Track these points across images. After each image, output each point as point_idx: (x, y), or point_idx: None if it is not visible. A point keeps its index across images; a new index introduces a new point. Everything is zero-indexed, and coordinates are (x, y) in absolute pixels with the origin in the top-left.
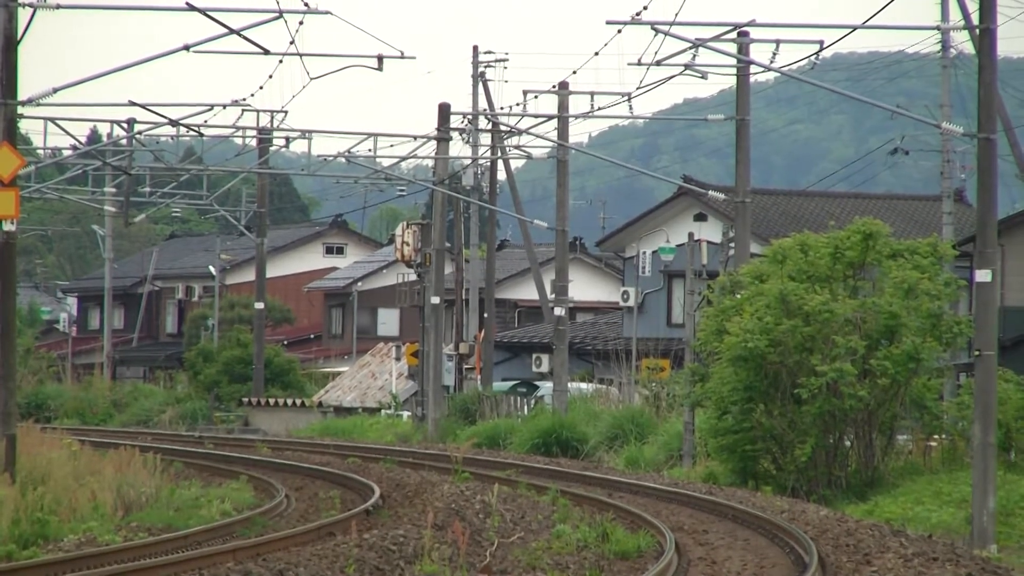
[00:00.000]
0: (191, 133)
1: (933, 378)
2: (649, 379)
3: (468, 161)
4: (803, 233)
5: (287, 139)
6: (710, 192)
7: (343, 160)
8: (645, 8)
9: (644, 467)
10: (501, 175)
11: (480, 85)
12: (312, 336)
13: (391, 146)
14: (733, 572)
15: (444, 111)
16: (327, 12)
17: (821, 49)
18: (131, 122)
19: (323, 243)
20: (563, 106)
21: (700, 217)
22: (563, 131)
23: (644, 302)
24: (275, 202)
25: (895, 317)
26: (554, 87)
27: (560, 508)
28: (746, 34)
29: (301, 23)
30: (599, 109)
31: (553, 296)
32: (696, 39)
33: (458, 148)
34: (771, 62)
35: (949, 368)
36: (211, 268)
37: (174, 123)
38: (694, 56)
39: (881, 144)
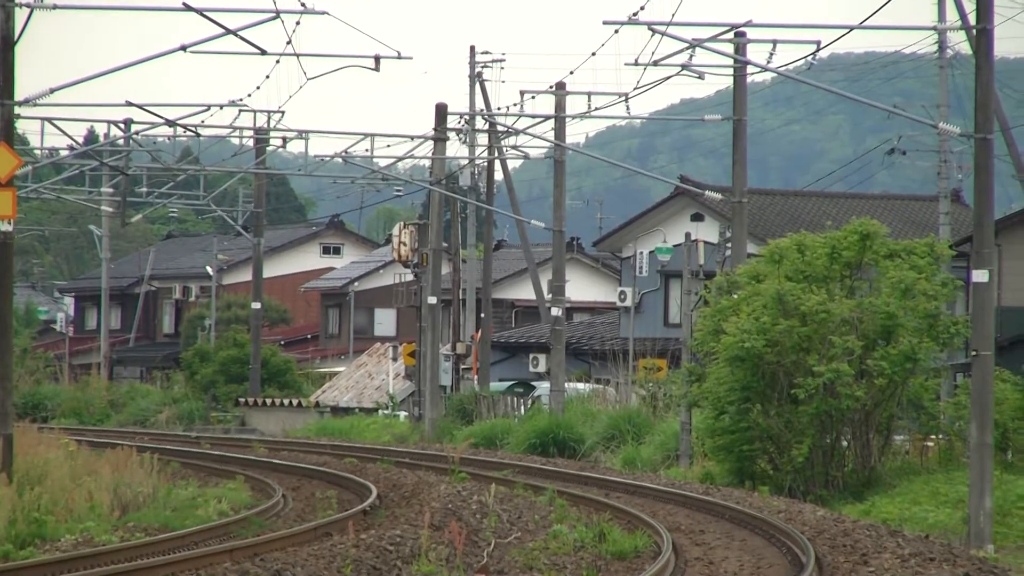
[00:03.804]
0: (188, 133)
1: (930, 378)
2: (646, 379)
3: (465, 161)
4: (800, 233)
5: (284, 139)
6: (707, 192)
7: (340, 160)
8: (642, 8)
9: (641, 467)
10: (498, 175)
11: (477, 85)
12: (309, 336)
13: (388, 146)
14: (730, 572)
15: (441, 111)
16: (324, 12)
17: (818, 49)
18: (128, 122)
19: (320, 243)
20: (560, 106)
21: (697, 217)
22: (560, 131)
23: (641, 302)
24: (272, 202)
25: (892, 317)
26: (551, 87)
27: (557, 508)
28: (743, 34)
29: (298, 23)
30: (596, 109)
31: (550, 296)
32: (693, 39)
33: (455, 148)
34: (768, 62)
35: (946, 368)
36: (208, 268)
37: (171, 123)
38: (691, 56)
39: (878, 144)
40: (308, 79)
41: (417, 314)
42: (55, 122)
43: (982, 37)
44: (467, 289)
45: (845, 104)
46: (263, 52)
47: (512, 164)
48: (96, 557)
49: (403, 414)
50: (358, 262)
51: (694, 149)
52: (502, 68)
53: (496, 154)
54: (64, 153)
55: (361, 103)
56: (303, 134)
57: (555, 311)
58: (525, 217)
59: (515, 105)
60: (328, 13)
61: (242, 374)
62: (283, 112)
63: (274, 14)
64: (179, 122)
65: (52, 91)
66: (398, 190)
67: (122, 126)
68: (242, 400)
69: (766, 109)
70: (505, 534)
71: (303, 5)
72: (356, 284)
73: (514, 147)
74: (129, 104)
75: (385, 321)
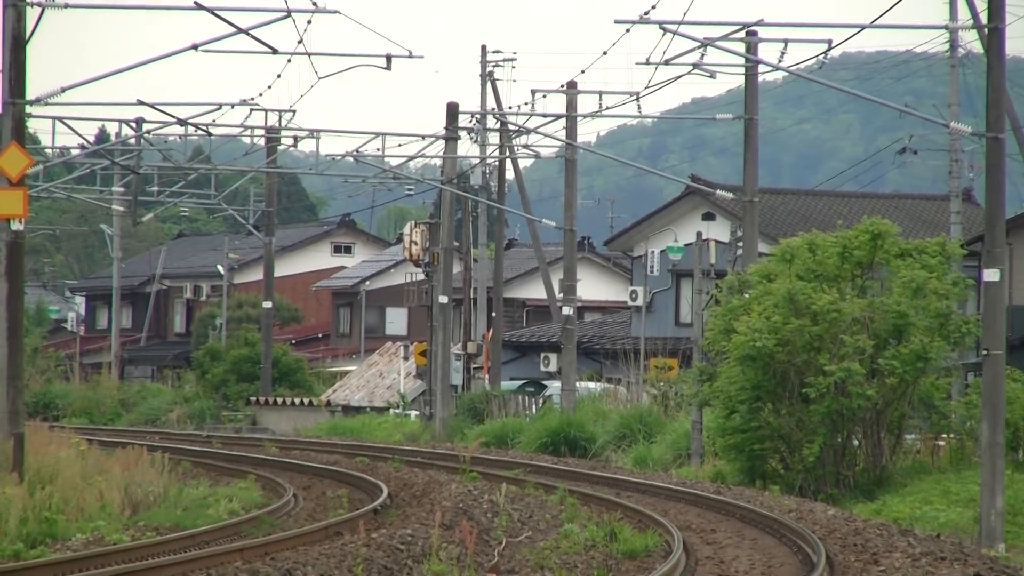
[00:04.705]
0: (199, 132)
1: (941, 377)
2: (657, 378)
3: (476, 160)
4: (811, 232)
5: (295, 138)
6: (718, 191)
7: (351, 159)
8: (653, 7)
9: (652, 466)
10: (509, 174)
11: (488, 84)
12: (320, 335)
13: (399, 145)
14: (741, 571)
15: (452, 110)
16: (335, 11)
17: (829, 48)
18: (139, 121)
19: (331, 242)
20: (571, 105)
21: (708, 216)
22: (571, 130)
23: (652, 301)
24: (283, 201)
25: (903, 316)
26: (562, 86)
27: (568, 507)
28: (754, 33)
29: (309, 22)
30: (607, 108)
31: (561, 295)
32: (704, 38)
33: (466, 147)
34: (779, 61)
35: (957, 367)
36: (219, 267)
37: (182, 122)
38: (702, 55)
39: (889, 143)
40: (319, 78)
41: (428, 313)
42: (66, 121)
43: (994, 36)
44: (478, 288)
45: (856, 103)
46: (274, 51)
47: (523, 163)
48: (107, 556)
49: (414, 413)
50: (369, 261)
51: (705, 148)
52: (513, 67)
53: (507, 153)
54: (75, 152)
55: (372, 102)
56: (314, 133)
57: (566, 310)
58: (536, 216)
59: (526, 104)
60: (339, 12)
61: (253, 373)
62: (294, 111)
63: (285, 13)
64: (190, 121)
65: (63, 90)
66: (409, 189)
67: (133, 125)
68: (253, 399)
69: (777, 108)
70: (516, 533)
71: (314, 4)
72: (367, 283)
73: (525, 146)
74: (140, 103)
75: (396, 320)
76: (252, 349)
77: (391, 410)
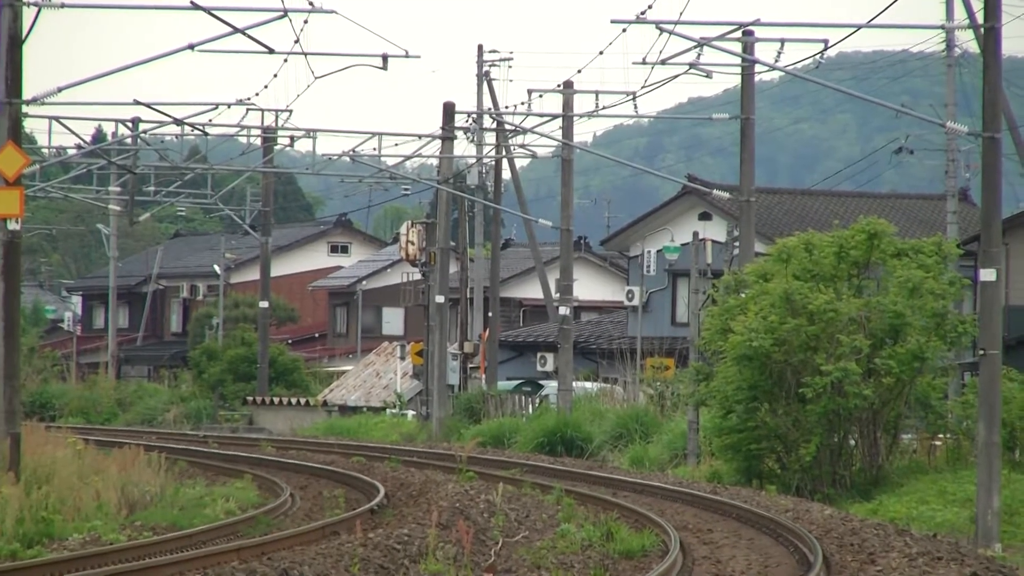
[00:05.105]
0: (196, 132)
1: (938, 377)
2: (654, 378)
3: (473, 160)
4: (808, 232)
5: (292, 138)
6: (715, 191)
7: (348, 159)
8: (650, 7)
9: (649, 466)
10: (506, 174)
11: (485, 84)
12: (317, 335)
13: (396, 145)
14: (738, 571)
15: (449, 110)
16: (332, 11)
17: (826, 48)
18: (136, 121)
19: (327, 242)
20: (568, 105)
21: (705, 216)
22: (568, 130)
23: (649, 301)
24: (280, 201)
25: (900, 316)
26: (559, 86)
27: (565, 507)
28: (751, 33)
29: (306, 22)
30: (604, 108)
31: (558, 295)
32: (701, 38)
33: (463, 147)
34: (776, 61)
35: (954, 367)
36: (216, 267)
37: (179, 122)
38: (699, 55)
39: (886, 143)
40: (316, 78)
41: (425, 313)
42: (63, 121)
43: (990, 36)
44: (475, 288)
45: (853, 103)
46: (271, 51)
47: (520, 163)
48: (103, 556)
49: (411, 413)
50: (366, 261)
51: (702, 148)
52: (510, 67)
53: (504, 153)
54: (72, 152)
55: (369, 102)
56: (311, 133)
57: (563, 310)
58: (533, 216)
59: (523, 104)
60: (336, 12)
61: (250, 373)
62: (291, 111)
63: (282, 13)
64: (187, 121)
65: (60, 90)
66: (406, 189)
67: (130, 125)
68: (250, 399)
69: (774, 108)
70: (513, 533)
71: (311, 4)
72: (364, 283)
73: (522, 146)
74: (137, 103)
75: (393, 320)
76: (249, 349)
77: (388, 410)
